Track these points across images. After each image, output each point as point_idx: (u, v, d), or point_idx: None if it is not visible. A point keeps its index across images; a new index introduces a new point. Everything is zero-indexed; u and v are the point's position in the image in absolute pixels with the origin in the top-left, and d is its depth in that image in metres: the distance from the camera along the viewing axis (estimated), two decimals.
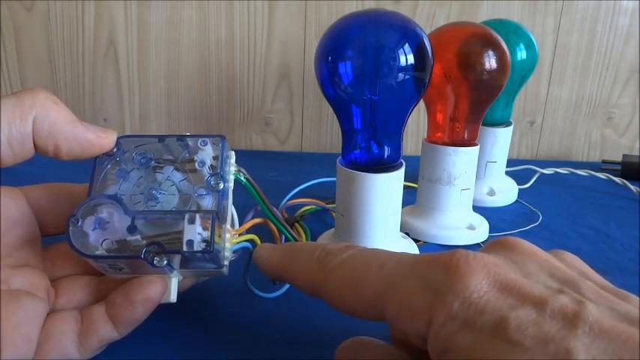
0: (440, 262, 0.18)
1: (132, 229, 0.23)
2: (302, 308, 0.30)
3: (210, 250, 0.23)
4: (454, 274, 0.17)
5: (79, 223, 0.23)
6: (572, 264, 0.19)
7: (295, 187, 0.47)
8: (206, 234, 0.23)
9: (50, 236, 0.26)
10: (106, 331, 0.23)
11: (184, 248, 0.23)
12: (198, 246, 0.23)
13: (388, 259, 0.20)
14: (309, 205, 0.42)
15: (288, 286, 0.31)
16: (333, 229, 0.37)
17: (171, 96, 0.64)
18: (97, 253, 0.23)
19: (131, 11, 0.61)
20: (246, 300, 0.30)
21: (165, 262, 0.23)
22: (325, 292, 0.21)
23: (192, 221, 0.23)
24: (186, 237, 0.23)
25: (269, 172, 0.55)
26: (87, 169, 0.25)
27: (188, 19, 0.61)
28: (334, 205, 0.36)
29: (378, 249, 0.21)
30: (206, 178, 0.25)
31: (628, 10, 0.63)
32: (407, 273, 0.18)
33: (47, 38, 0.62)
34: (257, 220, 0.30)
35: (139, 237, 0.23)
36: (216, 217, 0.24)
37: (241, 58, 0.63)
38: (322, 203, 0.42)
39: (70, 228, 0.23)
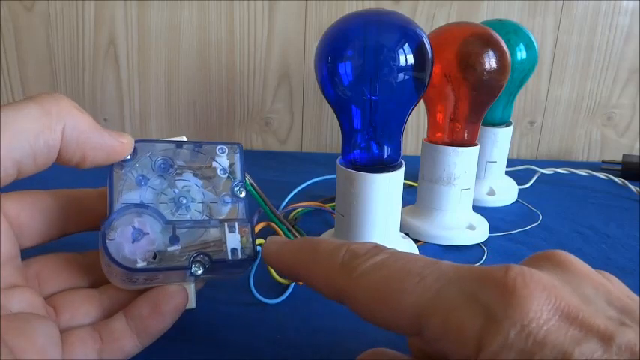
0: (492, 279, 0.16)
1: (174, 239, 0.23)
2: (303, 309, 0.30)
3: (255, 258, 0.24)
4: (510, 296, 0.15)
5: (115, 234, 0.22)
6: (619, 287, 0.18)
7: (295, 188, 0.47)
8: (242, 241, 0.24)
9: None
10: (131, 346, 0.23)
11: (229, 257, 0.24)
12: (241, 254, 0.24)
13: (428, 269, 0.18)
14: (308, 208, 0.42)
15: (290, 291, 0.31)
16: (333, 229, 0.37)
17: (172, 96, 0.64)
18: (139, 265, 0.22)
19: (131, 11, 0.61)
20: (246, 300, 0.30)
21: (202, 270, 0.23)
22: (352, 299, 0.19)
23: (232, 230, 0.24)
24: (229, 246, 0.24)
25: (269, 172, 0.55)
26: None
27: (188, 19, 0.61)
28: (334, 205, 0.36)
29: (412, 254, 0.19)
30: (231, 186, 0.26)
31: (628, 10, 0.63)
32: (452, 288, 0.17)
33: (47, 38, 0.62)
34: (263, 224, 0.30)
35: (179, 247, 0.23)
36: (253, 224, 0.25)
37: (241, 58, 0.63)
38: (321, 205, 0.42)
39: (107, 241, 0.22)
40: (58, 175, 0.31)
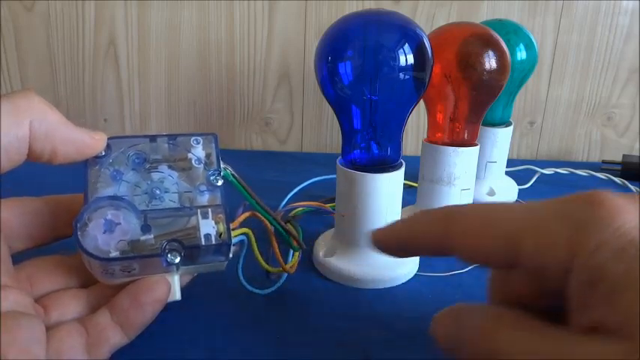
0: (580, 198, 0.17)
1: (146, 228, 0.23)
2: (302, 308, 0.30)
3: (229, 243, 0.24)
4: (600, 206, 0.17)
5: (87, 227, 0.23)
6: None
7: (295, 188, 0.47)
8: (219, 227, 0.24)
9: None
10: (116, 338, 0.23)
11: (202, 242, 0.24)
12: (215, 239, 0.24)
13: (514, 205, 0.20)
14: (308, 207, 0.42)
15: (280, 283, 0.31)
16: (333, 229, 0.37)
17: (172, 96, 0.64)
18: (112, 255, 0.22)
19: (131, 11, 0.61)
20: (245, 300, 0.30)
21: (179, 258, 0.23)
22: (452, 241, 0.20)
23: (205, 216, 0.24)
24: (203, 231, 0.24)
25: (269, 172, 0.55)
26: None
27: (188, 19, 0.61)
28: (334, 205, 0.36)
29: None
30: (207, 174, 0.26)
31: (628, 10, 0.63)
32: (541, 211, 0.18)
33: (47, 38, 0.62)
34: (248, 214, 0.30)
35: (152, 236, 0.23)
36: (228, 211, 0.25)
37: (241, 58, 0.63)
38: (321, 205, 0.42)
39: (79, 233, 0.22)
40: (51, 181, 0.31)
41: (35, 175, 0.23)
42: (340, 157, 0.35)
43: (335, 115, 0.35)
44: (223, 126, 0.66)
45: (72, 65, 0.63)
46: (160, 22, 0.61)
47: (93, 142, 0.24)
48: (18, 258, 0.25)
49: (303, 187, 0.49)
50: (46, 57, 0.62)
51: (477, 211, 0.20)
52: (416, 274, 0.35)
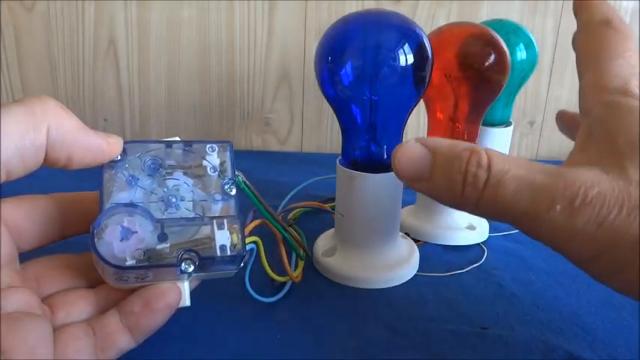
0: None
1: (163, 237, 0.23)
2: (302, 309, 0.30)
3: (243, 254, 0.24)
4: None
5: (104, 233, 0.23)
6: None
7: (295, 188, 0.47)
8: (232, 238, 0.24)
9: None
10: (124, 342, 0.23)
11: (218, 253, 0.24)
12: (230, 250, 0.24)
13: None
14: (308, 207, 0.42)
15: (286, 290, 0.31)
16: (333, 229, 0.37)
17: (172, 96, 0.64)
18: (128, 263, 0.22)
19: (131, 11, 0.61)
20: (245, 300, 0.30)
21: (192, 268, 0.23)
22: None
23: (221, 227, 0.24)
24: (218, 242, 0.24)
25: (269, 172, 0.55)
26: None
27: (188, 19, 0.61)
28: (334, 205, 0.36)
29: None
30: (221, 183, 0.26)
31: (628, 10, 0.63)
32: None
33: (47, 38, 0.62)
34: (259, 222, 0.30)
35: (168, 245, 0.23)
36: (243, 222, 0.25)
37: (241, 58, 0.63)
38: (321, 205, 0.42)
39: (95, 239, 0.22)
40: (56, 179, 0.31)
41: (42, 172, 0.23)
42: (340, 157, 0.35)
43: (335, 115, 0.35)
44: (223, 126, 0.66)
45: (72, 65, 0.63)
46: (159, 21, 0.61)
47: (109, 147, 0.23)
48: (24, 256, 0.25)
49: (303, 187, 0.49)
50: (46, 57, 0.62)
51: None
52: (416, 274, 0.35)
